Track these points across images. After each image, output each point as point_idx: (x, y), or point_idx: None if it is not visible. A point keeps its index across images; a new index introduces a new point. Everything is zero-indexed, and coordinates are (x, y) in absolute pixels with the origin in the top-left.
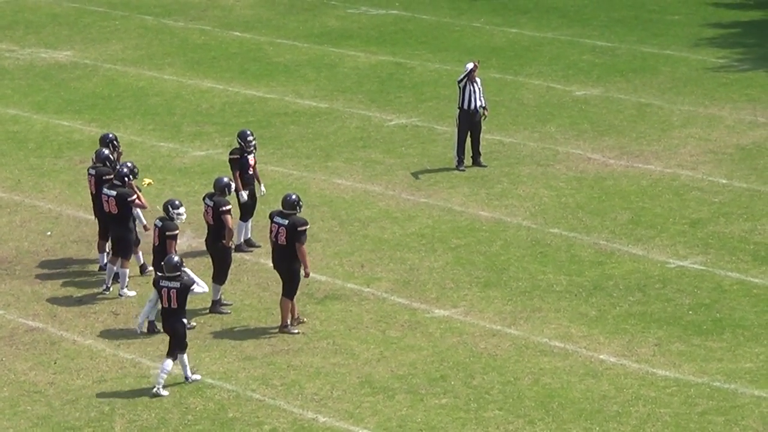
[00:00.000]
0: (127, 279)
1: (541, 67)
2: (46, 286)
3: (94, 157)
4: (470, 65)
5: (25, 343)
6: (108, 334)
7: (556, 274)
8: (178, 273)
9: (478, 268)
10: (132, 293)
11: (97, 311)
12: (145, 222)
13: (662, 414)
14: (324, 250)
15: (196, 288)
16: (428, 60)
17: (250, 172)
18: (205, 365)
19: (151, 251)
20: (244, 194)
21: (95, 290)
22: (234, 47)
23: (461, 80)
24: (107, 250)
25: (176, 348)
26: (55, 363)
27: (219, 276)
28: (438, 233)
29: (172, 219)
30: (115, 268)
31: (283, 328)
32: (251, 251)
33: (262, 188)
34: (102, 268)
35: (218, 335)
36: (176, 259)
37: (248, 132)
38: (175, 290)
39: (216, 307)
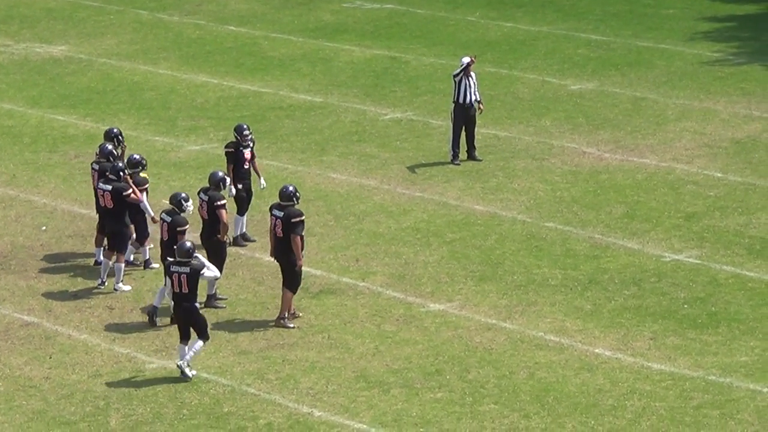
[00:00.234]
0: (123, 273)
1: (536, 61)
2: (41, 281)
3: (97, 151)
4: (467, 60)
5: (20, 337)
6: (103, 329)
7: (551, 268)
8: (190, 259)
9: (474, 262)
10: (127, 288)
11: (92, 306)
12: (152, 214)
13: (657, 408)
14: (319, 244)
15: (206, 272)
16: (423, 54)
17: (246, 167)
18: (201, 360)
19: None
20: (233, 188)
21: (90, 285)
22: (229, 42)
23: (457, 74)
24: (105, 245)
25: (202, 329)
26: (51, 358)
27: None
28: (433, 227)
29: (183, 211)
30: (110, 262)
31: (279, 320)
32: (246, 245)
33: (262, 181)
34: (98, 263)
35: (213, 330)
36: (188, 244)
37: (245, 126)
38: (185, 275)
39: (211, 301)
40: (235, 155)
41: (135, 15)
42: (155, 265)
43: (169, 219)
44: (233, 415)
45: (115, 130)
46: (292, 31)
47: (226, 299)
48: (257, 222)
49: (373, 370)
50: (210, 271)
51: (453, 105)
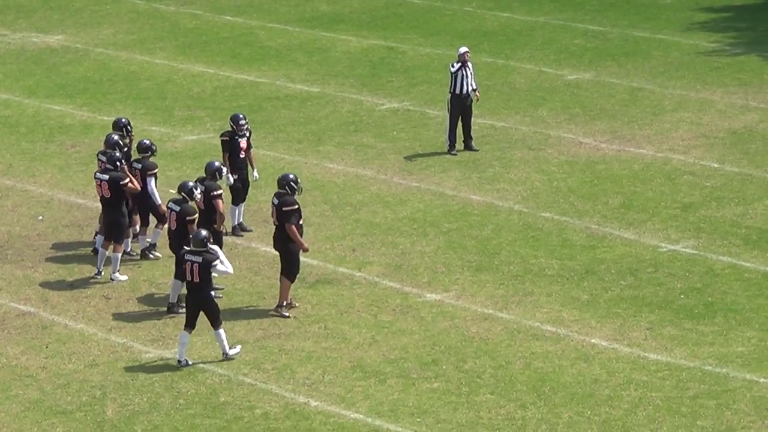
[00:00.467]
0: (119, 263)
1: (532, 51)
2: (37, 271)
3: (104, 142)
4: (463, 49)
5: (16, 327)
6: (100, 319)
7: (547, 258)
8: (204, 248)
9: (470, 252)
10: (124, 277)
11: (88, 295)
12: (160, 202)
13: (654, 398)
14: (315, 234)
15: (219, 266)
16: (420, 44)
17: (241, 156)
18: (197, 349)
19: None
20: (231, 177)
21: (87, 275)
22: (225, 31)
23: (456, 71)
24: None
25: (216, 317)
26: (47, 347)
27: None
28: (430, 217)
29: (193, 200)
30: (107, 252)
31: (277, 308)
32: (243, 236)
33: (255, 173)
34: (96, 251)
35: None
36: (204, 233)
37: (241, 116)
38: (197, 264)
39: None
40: (230, 144)
41: (131, 5)
42: (157, 254)
43: (177, 208)
44: (230, 405)
45: (123, 120)
46: (289, 21)
47: (222, 289)
48: (254, 212)
49: (370, 360)
50: (222, 265)
51: (449, 95)
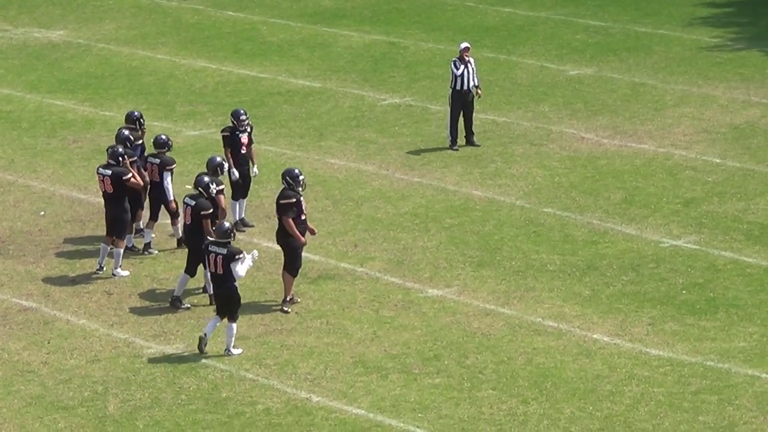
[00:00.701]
0: (121, 259)
1: (534, 46)
2: (39, 266)
3: (115, 137)
4: (464, 45)
5: (18, 322)
6: (101, 314)
7: (549, 254)
8: (228, 240)
9: (472, 248)
10: (125, 273)
11: (90, 291)
12: (172, 198)
13: (655, 393)
14: (317, 229)
15: (239, 264)
16: (422, 39)
17: (243, 151)
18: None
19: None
20: (236, 172)
21: (89, 270)
22: (227, 27)
23: (459, 70)
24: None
25: (234, 309)
26: (49, 343)
27: None
28: (431, 213)
29: (209, 195)
30: (108, 247)
31: (283, 303)
32: (245, 231)
33: (255, 169)
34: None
35: (211, 315)
36: (227, 225)
37: (241, 111)
38: (221, 256)
39: (209, 289)
40: (231, 139)
41: (133, 0)
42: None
43: (192, 203)
44: (231, 401)
45: (136, 113)
46: (291, 16)
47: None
48: (255, 207)
49: (372, 356)
50: (241, 265)
51: (450, 90)
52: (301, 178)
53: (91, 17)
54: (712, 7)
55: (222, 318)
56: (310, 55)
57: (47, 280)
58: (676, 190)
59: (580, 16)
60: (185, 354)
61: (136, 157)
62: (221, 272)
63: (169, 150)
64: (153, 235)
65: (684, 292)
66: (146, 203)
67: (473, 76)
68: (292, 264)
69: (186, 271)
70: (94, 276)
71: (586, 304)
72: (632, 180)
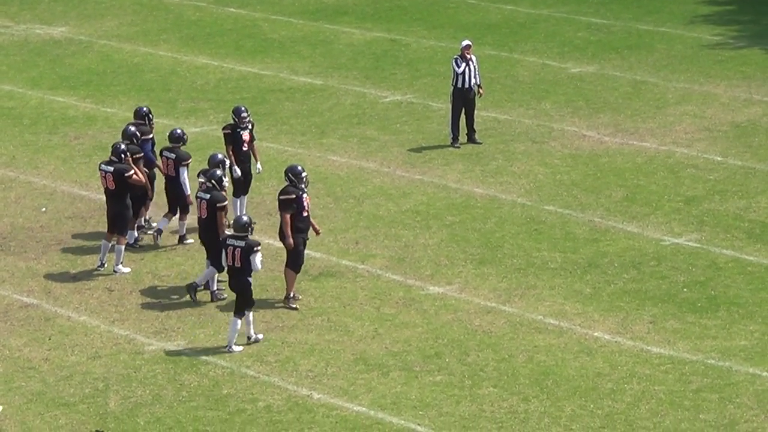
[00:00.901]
0: (123, 255)
1: (536, 44)
2: (40, 263)
3: (121, 133)
4: (465, 42)
5: (19, 319)
6: (103, 311)
7: (550, 252)
8: (247, 233)
9: (473, 245)
10: (127, 270)
11: (91, 287)
12: (189, 192)
13: (657, 391)
14: (318, 226)
15: (256, 256)
16: (423, 37)
17: (245, 149)
18: (200, 342)
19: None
20: (238, 170)
21: (90, 266)
22: (229, 23)
23: (461, 68)
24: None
25: (243, 306)
26: (50, 339)
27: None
28: (433, 210)
29: (223, 189)
30: (110, 244)
31: (286, 300)
32: None
33: (258, 166)
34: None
35: (213, 312)
36: (245, 218)
37: (243, 108)
38: (240, 249)
39: (212, 283)
40: (232, 137)
41: None
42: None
43: (207, 196)
44: (232, 397)
45: (144, 109)
46: (293, 13)
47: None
48: (257, 204)
49: (373, 353)
50: (257, 259)
51: (452, 88)
52: (303, 175)
53: (92, 14)
54: (713, 4)
55: (242, 316)
56: (312, 52)
57: (48, 276)
58: (678, 188)
59: (581, 14)
60: (186, 351)
61: (142, 154)
62: (239, 265)
63: (184, 144)
64: (167, 225)
65: (685, 290)
66: (156, 198)
67: (475, 74)
68: (294, 261)
69: (213, 265)
70: (96, 273)
71: (587, 302)
72: (633, 178)
